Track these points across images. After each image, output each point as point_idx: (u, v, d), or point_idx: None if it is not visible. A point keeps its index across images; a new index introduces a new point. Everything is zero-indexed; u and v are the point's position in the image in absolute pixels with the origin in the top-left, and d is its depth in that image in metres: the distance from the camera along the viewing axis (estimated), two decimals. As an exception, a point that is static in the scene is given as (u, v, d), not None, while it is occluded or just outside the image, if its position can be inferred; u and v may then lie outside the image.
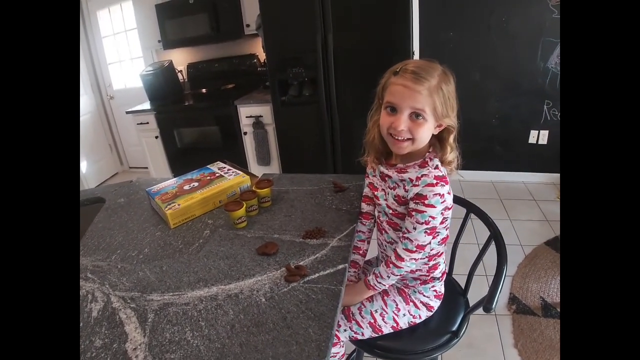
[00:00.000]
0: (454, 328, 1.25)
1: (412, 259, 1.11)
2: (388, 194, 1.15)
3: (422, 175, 1.05)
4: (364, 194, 1.34)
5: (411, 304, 1.24)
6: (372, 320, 1.20)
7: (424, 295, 1.24)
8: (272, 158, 3.41)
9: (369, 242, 1.35)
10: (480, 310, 1.17)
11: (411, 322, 1.24)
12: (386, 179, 1.16)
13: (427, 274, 1.22)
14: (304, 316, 0.89)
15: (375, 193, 1.21)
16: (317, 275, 1.03)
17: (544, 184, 3.35)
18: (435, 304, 1.26)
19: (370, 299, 1.23)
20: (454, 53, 3.16)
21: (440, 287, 1.27)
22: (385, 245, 1.25)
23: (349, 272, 1.27)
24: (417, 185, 1.05)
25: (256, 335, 0.85)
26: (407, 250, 1.10)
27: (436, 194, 1.03)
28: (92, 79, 4.49)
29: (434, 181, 1.03)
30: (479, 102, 3.24)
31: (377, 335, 1.22)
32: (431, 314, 1.26)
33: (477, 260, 1.33)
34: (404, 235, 1.10)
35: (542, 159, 3.30)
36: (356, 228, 1.31)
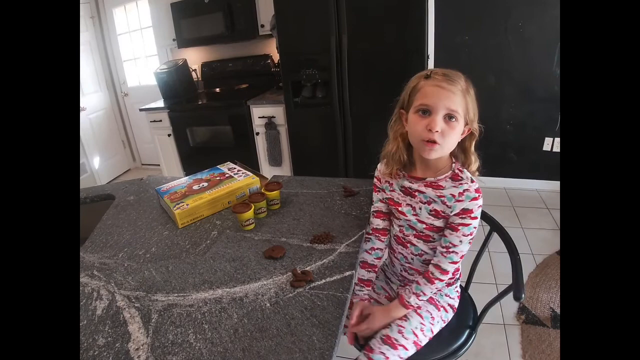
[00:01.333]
0: (470, 323, 1.29)
1: (455, 269, 1.14)
2: (420, 208, 1.14)
3: (464, 191, 1.06)
4: (377, 209, 1.27)
5: (441, 309, 1.23)
6: (415, 338, 1.15)
7: (450, 297, 1.25)
8: (284, 159, 3.40)
9: (382, 259, 1.33)
10: (488, 320, 1.17)
11: (442, 327, 1.23)
12: (415, 194, 1.14)
13: (453, 276, 1.22)
14: (309, 323, 0.88)
15: (399, 209, 1.19)
16: (323, 281, 1.01)
17: (557, 192, 3.29)
18: (457, 303, 1.27)
19: (405, 317, 1.18)
20: (469, 57, 3.13)
21: (458, 285, 1.29)
22: (412, 258, 1.23)
23: (361, 290, 1.25)
24: (462, 201, 1.06)
25: (259, 341, 0.84)
26: (452, 262, 1.12)
27: (479, 206, 1.07)
28: (106, 75, 4.54)
29: (476, 194, 1.06)
30: (494, 108, 3.20)
31: (417, 350, 1.17)
32: (454, 313, 1.27)
33: (479, 255, 1.37)
34: (450, 249, 1.11)
35: (556, 167, 3.25)
36: (370, 245, 1.27)
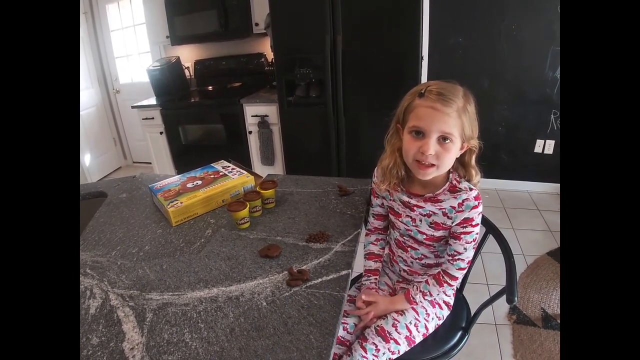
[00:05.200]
0: (463, 324, 1.28)
1: (463, 274, 1.15)
2: (421, 220, 1.15)
3: (463, 201, 1.06)
4: (376, 212, 1.31)
5: (437, 306, 1.23)
6: (408, 333, 1.16)
7: (446, 295, 1.25)
8: (277, 158, 3.39)
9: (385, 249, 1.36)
10: (480, 320, 1.25)
11: (437, 324, 1.23)
12: (415, 208, 1.15)
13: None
14: (306, 322, 0.87)
15: (400, 219, 1.20)
16: (319, 280, 1.01)
17: (548, 193, 3.33)
18: (452, 300, 1.28)
19: (402, 312, 1.19)
20: (462, 59, 3.15)
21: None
22: (412, 262, 1.25)
23: (368, 279, 1.28)
24: (462, 211, 1.07)
25: (256, 340, 0.84)
26: (460, 269, 1.13)
27: (479, 213, 1.08)
28: (98, 72, 4.49)
29: (476, 202, 1.07)
30: (486, 109, 3.20)
31: (409, 348, 1.17)
32: (450, 311, 1.27)
33: (474, 258, 1.35)
34: (455, 257, 1.12)
35: (547, 169, 3.28)
36: (375, 237, 1.32)
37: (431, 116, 0.98)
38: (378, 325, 1.16)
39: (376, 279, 1.29)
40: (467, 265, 1.14)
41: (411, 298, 1.18)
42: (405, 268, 1.28)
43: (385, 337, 1.13)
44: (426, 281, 1.18)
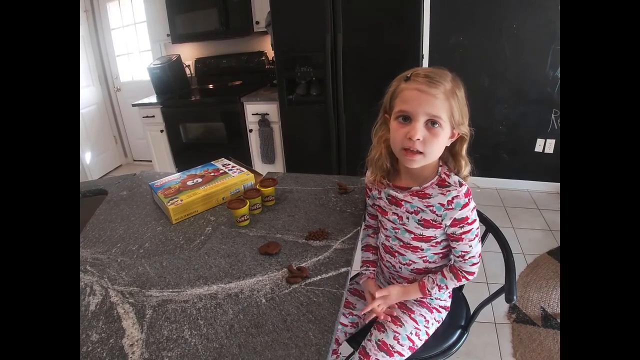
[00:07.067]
0: (463, 323, 1.29)
1: (477, 267, 1.11)
2: (408, 218, 1.10)
3: (453, 198, 1.00)
4: (370, 212, 1.30)
5: (434, 311, 1.21)
6: (411, 344, 1.14)
7: (441, 300, 1.23)
8: (277, 156, 3.40)
9: None
10: (479, 319, 1.23)
11: (437, 327, 1.23)
12: (402, 203, 1.10)
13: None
14: (305, 319, 0.88)
15: (387, 217, 1.16)
16: (319, 277, 1.01)
17: (548, 193, 3.33)
18: (449, 302, 1.26)
19: (400, 324, 1.15)
20: (463, 58, 3.15)
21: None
22: (400, 267, 1.20)
23: (367, 269, 1.26)
24: (452, 209, 1.01)
25: (255, 337, 0.84)
26: (474, 264, 1.10)
27: (473, 209, 1.03)
28: (99, 70, 4.49)
29: (466, 200, 1.00)
30: (487, 108, 3.22)
31: (412, 353, 1.16)
32: (447, 312, 1.26)
33: None
34: (465, 257, 1.08)
35: (547, 168, 3.28)
36: (372, 230, 1.32)
37: (417, 98, 0.94)
38: (379, 340, 1.13)
39: (374, 270, 1.26)
40: (479, 259, 1.09)
41: (427, 291, 1.14)
42: (395, 274, 1.24)
43: (388, 351, 1.12)
44: (442, 273, 1.13)
